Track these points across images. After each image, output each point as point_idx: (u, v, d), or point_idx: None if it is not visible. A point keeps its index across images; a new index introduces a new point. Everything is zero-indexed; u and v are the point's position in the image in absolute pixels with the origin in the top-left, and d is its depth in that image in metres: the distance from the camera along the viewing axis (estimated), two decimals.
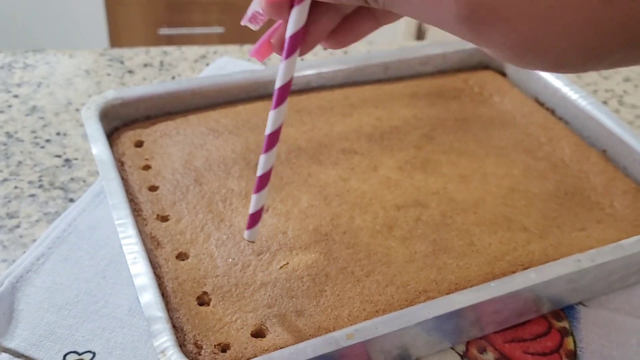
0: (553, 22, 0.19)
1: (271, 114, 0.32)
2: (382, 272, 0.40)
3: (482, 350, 0.40)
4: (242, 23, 0.28)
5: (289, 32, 0.27)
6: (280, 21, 0.28)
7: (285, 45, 0.28)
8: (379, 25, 0.29)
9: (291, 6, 0.27)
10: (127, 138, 0.50)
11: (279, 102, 0.31)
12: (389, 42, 0.81)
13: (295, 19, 0.27)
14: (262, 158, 0.34)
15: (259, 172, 0.35)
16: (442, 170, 0.48)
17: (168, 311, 0.36)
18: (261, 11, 0.27)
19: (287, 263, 0.40)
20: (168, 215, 0.43)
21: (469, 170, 0.49)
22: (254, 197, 0.36)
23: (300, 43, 0.28)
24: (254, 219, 0.37)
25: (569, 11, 0.19)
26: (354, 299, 0.38)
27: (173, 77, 0.67)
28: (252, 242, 0.39)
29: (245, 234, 0.38)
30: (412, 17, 0.22)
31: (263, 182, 0.35)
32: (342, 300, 0.38)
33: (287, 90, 0.30)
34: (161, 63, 0.69)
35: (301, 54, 0.29)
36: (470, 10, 0.20)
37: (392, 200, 0.45)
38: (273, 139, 0.33)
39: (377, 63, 0.59)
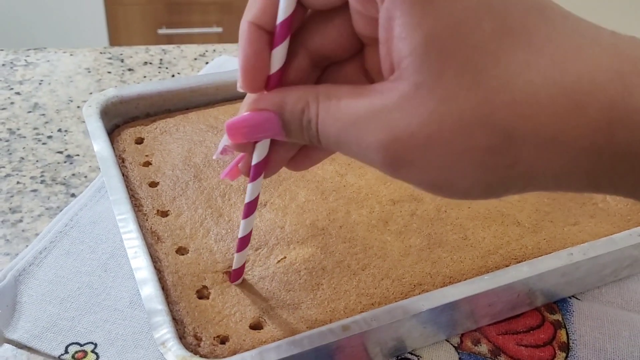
0: (454, 169, 0.25)
1: (242, 223, 0.36)
2: (377, 266, 0.41)
3: (476, 342, 0.41)
4: (214, 157, 0.32)
5: (254, 161, 0.31)
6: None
7: (251, 172, 0.32)
8: (331, 153, 0.32)
9: (254, 143, 0.31)
10: (128, 135, 0.51)
11: (248, 214, 0.35)
12: None
13: (258, 153, 0.31)
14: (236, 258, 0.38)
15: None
16: None
17: (168, 304, 0.37)
18: (230, 146, 0.31)
19: (285, 257, 0.41)
20: (168, 211, 0.44)
21: None
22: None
23: (263, 170, 0.32)
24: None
25: (462, 164, 0.24)
26: (350, 292, 0.39)
27: (173, 75, 0.68)
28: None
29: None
30: (350, 157, 0.28)
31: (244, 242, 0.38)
32: (339, 294, 0.39)
33: (255, 205, 0.35)
34: (161, 61, 0.70)
35: (265, 177, 0.33)
36: (390, 160, 0.25)
37: (388, 195, 0.46)
38: (244, 242, 0.37)
39: None
